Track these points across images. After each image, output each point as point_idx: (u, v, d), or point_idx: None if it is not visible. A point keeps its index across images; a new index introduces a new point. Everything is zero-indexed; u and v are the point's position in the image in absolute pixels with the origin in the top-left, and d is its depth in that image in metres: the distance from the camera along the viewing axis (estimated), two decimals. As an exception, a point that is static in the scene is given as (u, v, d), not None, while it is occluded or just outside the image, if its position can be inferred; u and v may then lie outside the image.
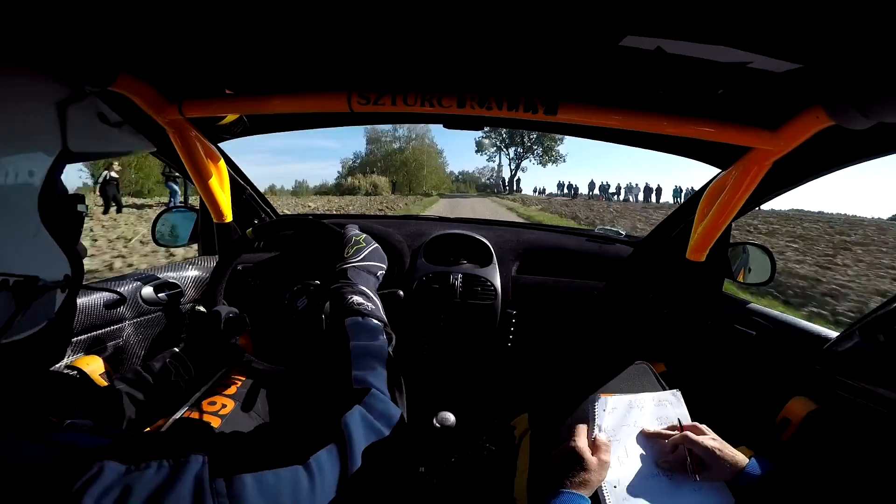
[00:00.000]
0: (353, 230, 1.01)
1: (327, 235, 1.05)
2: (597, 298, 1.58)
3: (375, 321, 0.77)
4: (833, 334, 1.07)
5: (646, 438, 0.88)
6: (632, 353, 1.51)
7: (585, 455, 0.78)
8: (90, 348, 1.13)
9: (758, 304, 1.34)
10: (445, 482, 1.24)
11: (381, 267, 0.96)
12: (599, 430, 0.87)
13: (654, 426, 0.90)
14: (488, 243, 1.68)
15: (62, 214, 0.60)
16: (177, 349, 0.99)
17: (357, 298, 0.80)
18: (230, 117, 1.20)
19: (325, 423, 0.57)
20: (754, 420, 1.08)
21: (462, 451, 1.31)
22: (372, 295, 0.84)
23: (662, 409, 0.94)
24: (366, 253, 0.95)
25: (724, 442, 0.81)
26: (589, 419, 0.90)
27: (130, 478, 0.41)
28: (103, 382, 1.05)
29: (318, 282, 1.16)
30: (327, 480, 0.51)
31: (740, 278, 1.46)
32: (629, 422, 0.91)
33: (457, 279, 1.53)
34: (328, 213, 2.10)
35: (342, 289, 0.83)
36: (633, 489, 0.80)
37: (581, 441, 0.81)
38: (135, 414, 0.82)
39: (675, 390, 0.98)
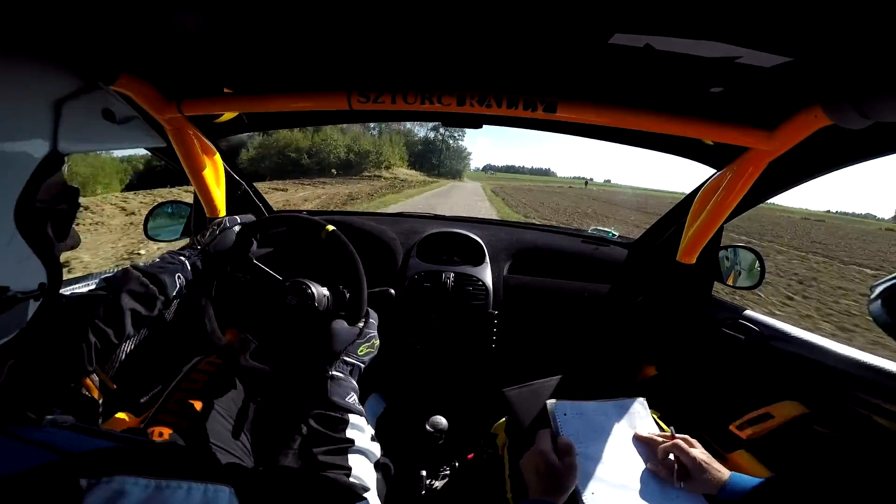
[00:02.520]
0: (374, 329, 1.03)
1: (356, 291, 1.08)
2: (587, 299, 1.59)
3: (367, 423, 0.82)
4: (820, 340, 1.09)
5: (638, 441, 0.90)
6: (621, 355, 1.52)
7: (551, 459, 0.78)
8: None
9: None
10: (445, 485, 1.24)
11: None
12: (562, 434, 0.88)
13: (622, 436, 0.92)
14: (482, 242, 1.68)
15: (46, 216, 0.56)
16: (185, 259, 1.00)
17: (355, 397, 0.85)
18: (228, 115, 1.19)
19: (338, 498, 0.62)
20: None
21: (461, 455, 1.31)
22: (357, 391, 0.90)
23: (631, 417, 0.96)
24: (370, 357, 0.99)
25: (710, 457, 0.83)
26: (551, 423, 0.91)
27: (160, 498, 0.40)
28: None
29: (313, 283, 1.16)
30: None
31: (730, 281, 1.46)
32: (597, 428, 0.92)
33: (449, 278, 1.53)
34: (319, 209, 2.05)
35: (343, 381, 0.87)
36: (611, 498, 0.80)
37: (545, 445, 0.82)
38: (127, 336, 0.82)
39: (641, 399, 1.00)
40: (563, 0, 0.58)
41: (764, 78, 0.73)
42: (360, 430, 0.77)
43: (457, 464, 1.30)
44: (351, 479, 0.68)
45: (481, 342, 1.57)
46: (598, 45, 0.70)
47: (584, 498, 0.79)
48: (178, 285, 0.94)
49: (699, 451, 0.83)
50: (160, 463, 0.44)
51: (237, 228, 1.14)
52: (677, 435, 0.88)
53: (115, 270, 0.92)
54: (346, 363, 0.91)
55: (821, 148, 0.91)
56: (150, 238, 1.59)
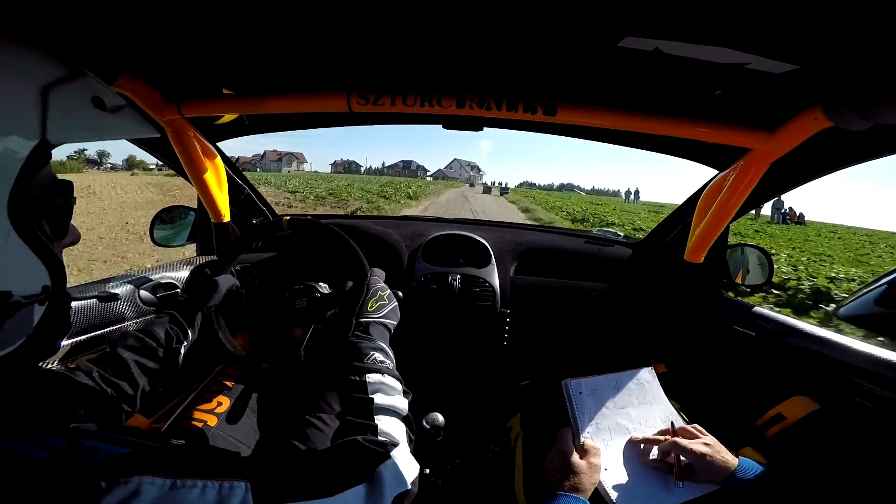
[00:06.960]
0: (379, 282, 1.01)
1: (353, 257, 1.06)
2: (594, 299, 1.59)
3: (395, 380, 0.80)
4: (832, 335, 1.07)
5: (635, 445, 0.87)
6: (630, 353, 1.51)
7: (574, 459, 0.79)
8: (91, 349, 1.12)
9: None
10: (450, 483, 1.24)
11: (395, 324, 0.98)
12: (585, 429, 0.88)
13: (637, 408, 0.92)
14: (487, 244, 1.68)
15: (41, 212, 0.52)
16: (174, 312, 0.98)
17: (378, 356, 0.82)
18: (229, 117, 1.19)
19: (358, 466, 0.59)
20: (753, 420, 1.08)
21: (466, 453, 1.31)
22: (389, 352, 0.87)
23: (641, 388, 0.96)
24: (388, 310, 0.96)
25: (717, 445, 0.80)
26: (568, 408, 0.91)
27: (175, 497, 0.40)
28: None
29: (320, 284, 1.16)
30: None
31: (738, 280, 1.45)
32: (609, 404, 0.92)
33: (455, 280, 1.53)
34: (326, 213, 2.07)
35: (361, 342, 0.84)
36: (624, 473, 0.82)
37: (567, 446, 0.82)
38: (142, 390, 0.81)
39: (649, 367, 1.00)
40: (577, 2, 0.58)
41: (766, 81, 0.73)
42: (383, 390, 0.76)
43: (457, 461, 1.30)
44: (379, 437, 0.66)
45: (491, 342, 1.57)
46: (606, 48, 0.69)
47: (601, 478, 0.79)
48: (172, 336, 0.93)
49: (700, 443, 0.79)
50: (176, 463, 0.44)
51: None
52: (678, 427, 0.86)
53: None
54: (360, 324, 0.89)
55: (822, 149, 0.91)
56: (157, 244, 1.60)
